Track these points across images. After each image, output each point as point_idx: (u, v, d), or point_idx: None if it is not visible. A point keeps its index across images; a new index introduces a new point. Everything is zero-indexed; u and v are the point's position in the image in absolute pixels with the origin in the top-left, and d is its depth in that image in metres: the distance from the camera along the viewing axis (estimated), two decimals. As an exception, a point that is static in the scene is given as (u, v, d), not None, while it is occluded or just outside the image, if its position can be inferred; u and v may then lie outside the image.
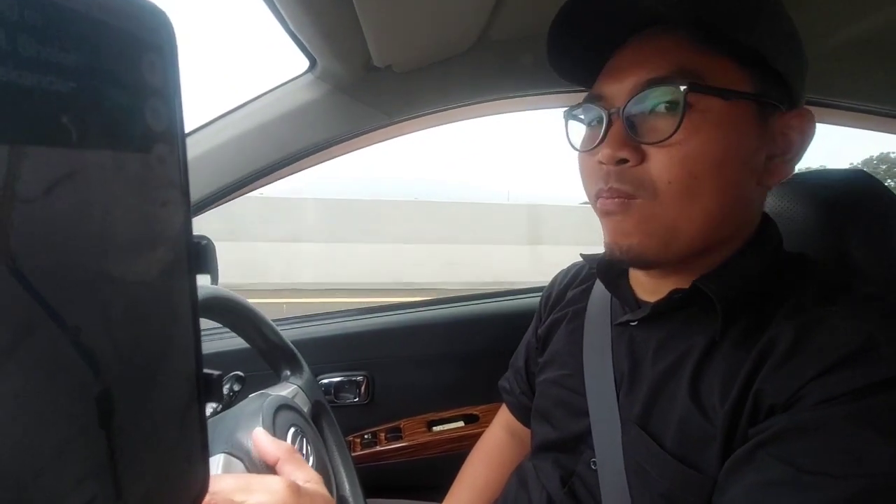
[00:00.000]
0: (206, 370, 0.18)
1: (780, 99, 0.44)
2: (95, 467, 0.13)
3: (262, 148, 0.76)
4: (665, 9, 0.42)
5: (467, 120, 0.79)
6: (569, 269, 0.72)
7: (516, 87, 0.75)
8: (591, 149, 0.47)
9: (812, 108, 0.47)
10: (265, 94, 0.75)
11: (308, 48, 0.66)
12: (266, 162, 0.76)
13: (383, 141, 0.81)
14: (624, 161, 0.44)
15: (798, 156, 0.46)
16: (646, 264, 0.49)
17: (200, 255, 0.17)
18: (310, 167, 0.85)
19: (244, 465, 0.47)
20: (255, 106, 0.75)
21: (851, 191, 0.59)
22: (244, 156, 0.75)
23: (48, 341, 0.12)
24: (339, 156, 0.84)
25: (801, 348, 0.39)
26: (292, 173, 0.84)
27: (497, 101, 0.76)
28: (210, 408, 0.65)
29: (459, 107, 0.76)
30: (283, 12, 0.59)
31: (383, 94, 0.74)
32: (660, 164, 0.43)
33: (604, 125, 0.46)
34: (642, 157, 0.44)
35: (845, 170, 0.63)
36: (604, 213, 0.47)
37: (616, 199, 0.45)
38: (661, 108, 0.43)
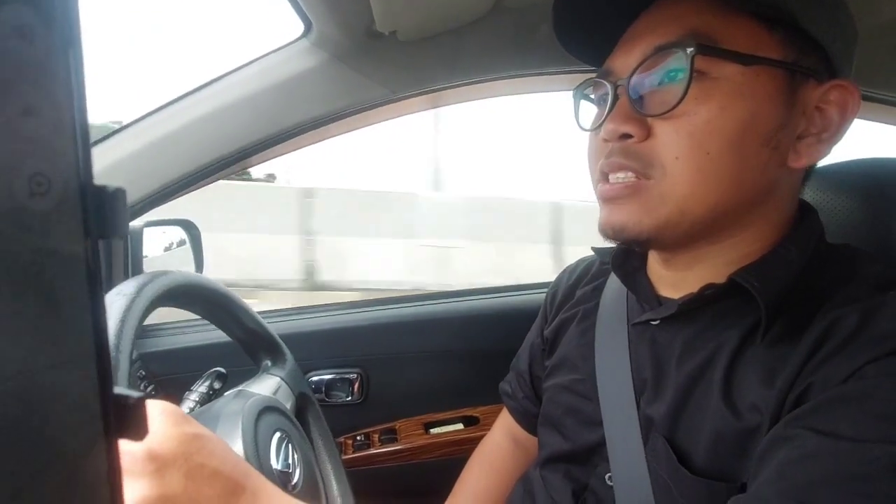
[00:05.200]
0: (118, 390, 0.12)
1: (816, 69, 0.40)
2: None
3: (249, 122, 0.69)
4: None
5: (480, 99, 0.72)
6: (576, 265, 0.67)
7: (532, 63, 0.69)
8: (597, 126, 0.44)
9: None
10: (254, 62, 0.68)
11: (303, 8, 0.59)
12: (253, 139, 0.69)
13: (386, 120, 0.74)
14: (628, 136, 0.41)
15: (836, 136, 0.41)
16: (641, 245, 0.46)
17: (109, 205, 0.11)
18: (304, 146, 0.79)
19: None
20: (242, 74, 0.68)
21: None
22: (228, 131, 0.68)
23: None
24: (336, 135, 0.77)
25: (861, 335, 0.35)
26: (283, 153, 0.77)
27: (511, 79, 0.69)
28: (186, 407, 0.59)
29: (470, 83, 0.69)
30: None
31: (386, 64, 0.67)
32: (666, 137, 0.39)
33: (609, 100, 0.43)
34: (648, 132, 0.40)
35: (890, 158, 0.57)
36: (605, 200, 0.44)
37: (621, 185, 0.42)
38: (669, 76, 0.39)
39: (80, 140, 0.10)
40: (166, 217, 0.90)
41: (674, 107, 0.38)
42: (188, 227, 1.00)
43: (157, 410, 0.33)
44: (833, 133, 0.41)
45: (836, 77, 0.41)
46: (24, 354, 0.10)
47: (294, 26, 0.65)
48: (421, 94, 0.71)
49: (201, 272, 0.99)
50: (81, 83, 0.10)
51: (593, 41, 0.47)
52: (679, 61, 0.38)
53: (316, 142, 0.78)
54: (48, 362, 0.10)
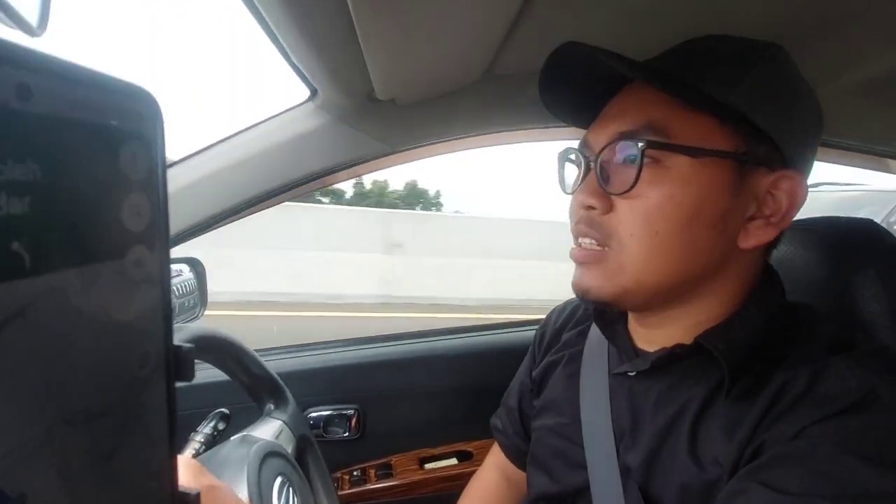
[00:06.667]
0: (182, 488, 0.16)
1: (767, 157, 0.43)
2: None
3: (259, 175, 0.74)
4: (627, 69, 0.41)
5: (474, 149, 0.79)
6: (564, 306, 0.70)
7: (521, 121, 0.74)
8: (571, 192, 0.50)
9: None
10: (264, 122, 0.73)
11: (309, 78, 0.65)
12: (262, 189, 0.74)
13: (385, 168, 0.80)
14: (592, 208, 0.45)
15: (784, 220, 0.44)
16: (605, 307, 0.51)
17: (182, 362, 0.15)
18: (308, 192, 0.84)
19: None
20: (253, 133, 0.73)
21: (859, 239, 0.58)
22: (240, 183, 0.73)
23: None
24: (339, 182, 0.83)
25: (808, 396, 0.38)
26: (289, 199, 0.82)
27: (501, 134, 0.75)
28: (192, 449, 0.62)
29: (463, 138, 0.74)
30: (283, 43, 0.57)
31: (385, 125, 0.73)
32: (623, 215, 0.44)
33: (582, 172, 0.48)
34: (610, 207, 0.45)
35: (853, 218, 0.61)
36: (576, 263, 0.49)
37: (587, 252, 0.46)
38: (626, 161, 0.43)
39: (167, 320, 0.15)
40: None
41: (629, 189, 0.42)
42: (194, 264, 1.03)
43: (181, 465, 0.37)
44: (780, 218, 0.44)
45: (787, 163, 0.43)
46: (129, 476, 0.14)
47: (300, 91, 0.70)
48: (418, 147, 0.76)
49: (205, 309, 1.02)
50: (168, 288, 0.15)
51: (577, 109, 0.52)
52: (632, 149, 0.42)
53: (318, 189, 0.83)
54: (146, 469, 0.14)
